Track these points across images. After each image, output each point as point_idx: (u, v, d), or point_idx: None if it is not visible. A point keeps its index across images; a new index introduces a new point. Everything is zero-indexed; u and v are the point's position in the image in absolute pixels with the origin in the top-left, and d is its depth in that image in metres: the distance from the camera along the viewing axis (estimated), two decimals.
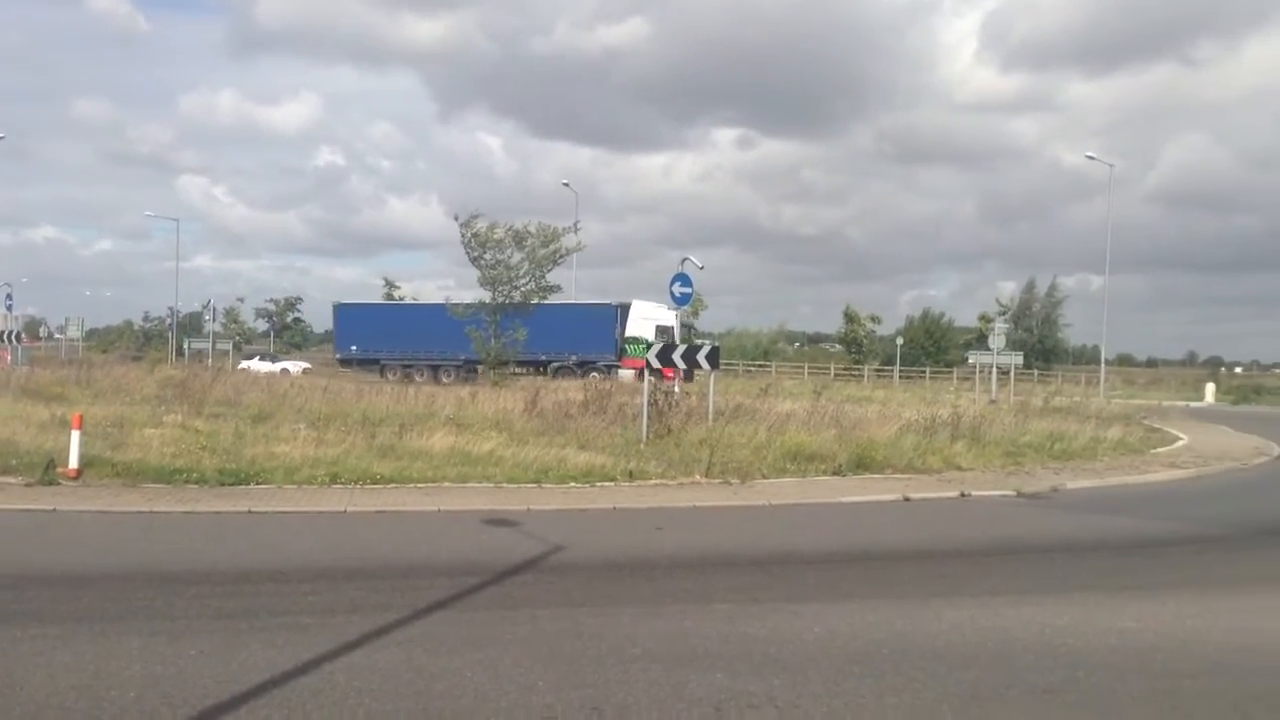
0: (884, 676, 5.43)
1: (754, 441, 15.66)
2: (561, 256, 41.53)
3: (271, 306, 72.69)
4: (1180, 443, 22.37)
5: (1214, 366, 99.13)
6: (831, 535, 10.55)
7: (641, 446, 15.32)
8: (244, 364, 59.95)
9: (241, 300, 76.22)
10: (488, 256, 40.16)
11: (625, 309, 48.24)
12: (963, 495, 13.40)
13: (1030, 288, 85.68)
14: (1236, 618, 7.03)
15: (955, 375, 60.09)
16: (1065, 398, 30.98)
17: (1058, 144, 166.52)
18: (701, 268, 19.04)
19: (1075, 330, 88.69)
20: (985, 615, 6.89)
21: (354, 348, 53.21)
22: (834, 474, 14.54)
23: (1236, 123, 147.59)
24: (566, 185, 62.45)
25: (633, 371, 46.74)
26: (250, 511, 10.54)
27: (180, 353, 56.51)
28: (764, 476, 13.97)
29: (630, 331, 46.72)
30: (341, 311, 55.74)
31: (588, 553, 9.01)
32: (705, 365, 17.09)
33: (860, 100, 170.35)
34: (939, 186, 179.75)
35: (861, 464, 15.09)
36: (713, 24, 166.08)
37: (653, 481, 13.35)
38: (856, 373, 68.42)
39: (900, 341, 71.91)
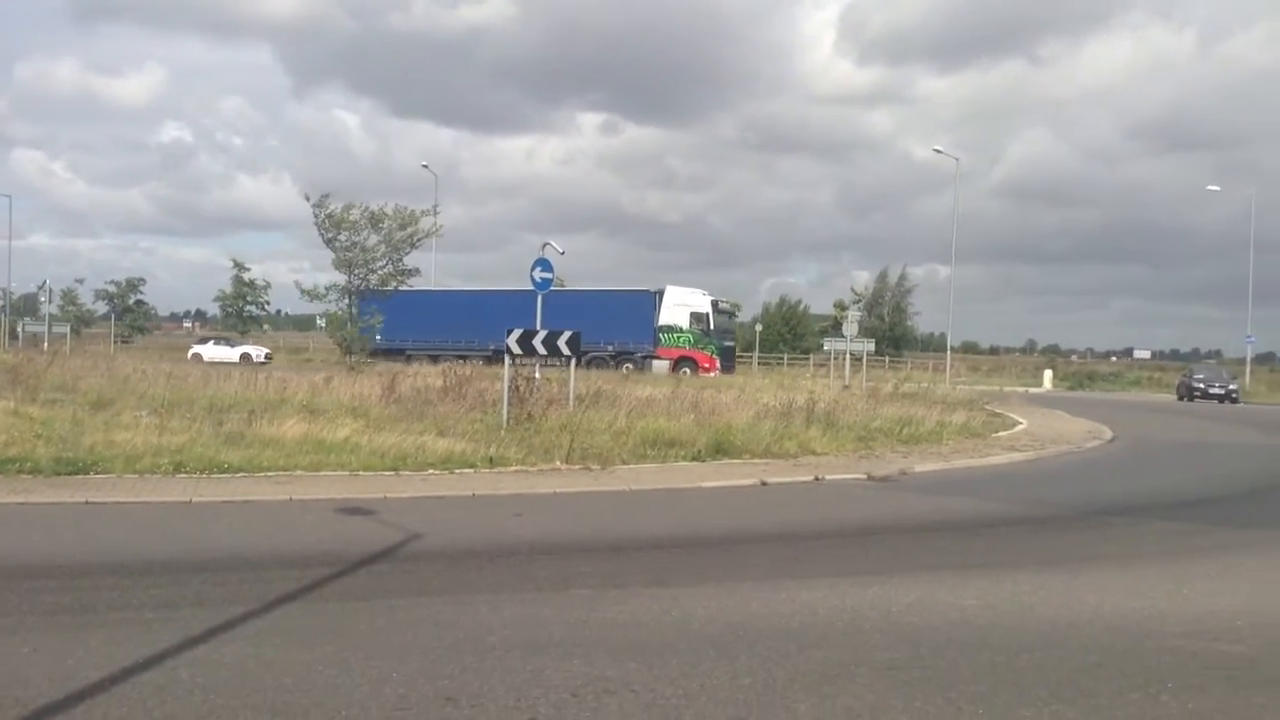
0: (738, 658, 5.52)
1: (614, 427, 15.73)
2: (419, 240, 40.95)
3: (112, 288, 69.13)
4: (1020, 427, 23.46)
5: (1052, 354, 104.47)
6: (691, 520, 10.68)
7: (502, 433, 15.21)
8: (196, 349, 54.78)
9: (81, 281, 72.03)
10: (342, 238, 39.30)
11: (660, 295, 46.47)
12: (817, 479, 13.74)
13: (883, 277, 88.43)
14: (1070, 594, 7.39)
15: (812, 362, 61.62)
16: (914, 384, 32.12)
17: (910, 137, 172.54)
18: (563, 253, 19.04)
19: (924, 318, 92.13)
20: (836, 596, 7.08)
21: (377, 337, 48.79)
22: (693, 459, 14.73)
23: (1076, 119, 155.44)
24: (425, 167, 61.46)
25: (668, 362, 45.10)
26: (88, 502, 10.04)
27: (14, 336, 52.67)
28: (624, 462, 14.05)
29: (664, 320, 45.72)
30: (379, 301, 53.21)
31: (446, 541, 8.90)
32: (566, 351, 17.05)
33: (723, 89, 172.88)
34: (799, 176, 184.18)
35: (720, 449, 15.32)
36: (578, 6, 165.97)
37: (513, 468, 13.27)
38: None
39: (759, 328, 73.22)
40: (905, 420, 20.22)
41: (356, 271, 39.71)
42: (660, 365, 44.67)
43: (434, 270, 51.28)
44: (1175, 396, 47.62)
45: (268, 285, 68.43)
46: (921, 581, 7.65)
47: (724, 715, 4.66)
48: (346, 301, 40.29)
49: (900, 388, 29.64)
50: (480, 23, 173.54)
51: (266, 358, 50.83)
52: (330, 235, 39.10)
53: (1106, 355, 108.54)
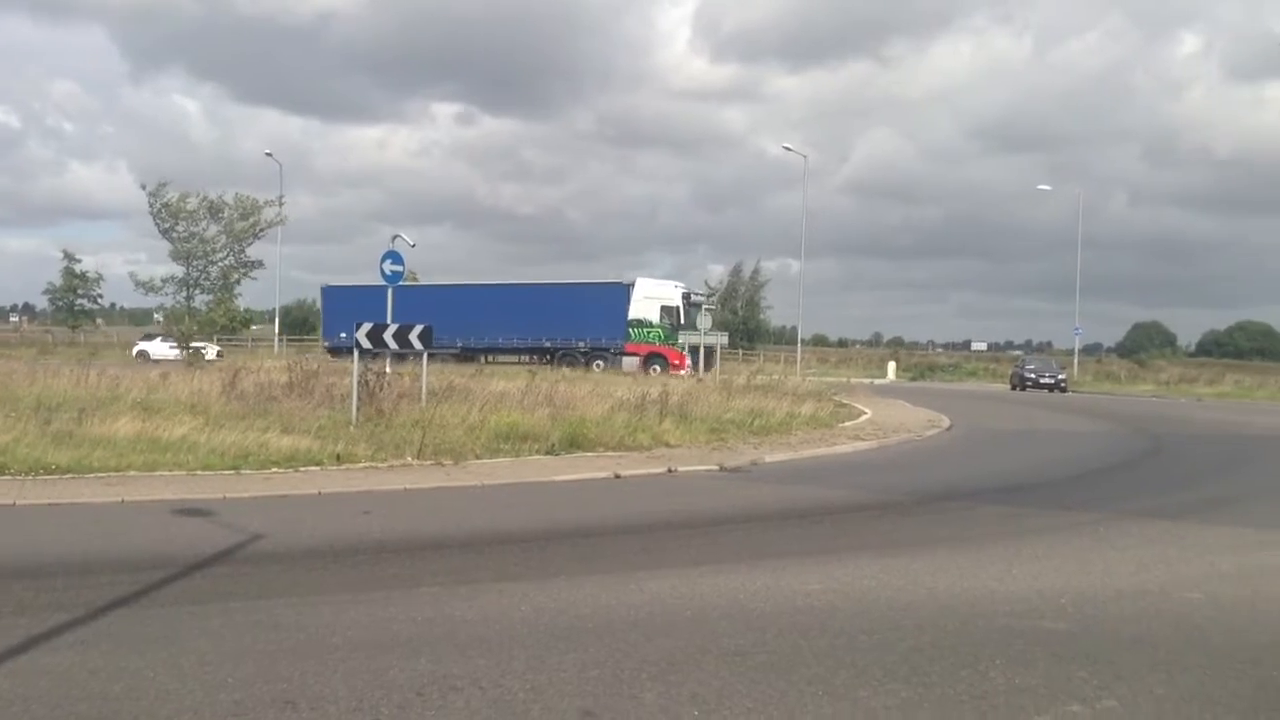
0: (587, 649, 5.53)
1: (467, 422, 15.55)
2: (262, 230, 39.70)
3: None
4: (865, 417, 24.22)
5: (896, 346, 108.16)
6: (543, 514, 10.65)
7: (351, 429, 14.86)
8: (141, 346, 49.89)
9: None
10: (180, 228, 37.82)
11: (629, 288, 43.85)
12: (670, 471, 13.89)
13: (737, 271, 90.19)
14: (908, 576, 7.67)
15: None
16: (766, 376, 32.77)
17: (764, 134, 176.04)
18: (413, 245, 18.74)
19: (776, 312, 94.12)
20: (685, 585, 7.17)
21: (344, 335, 45.59)
22: (547, 453, 14.69)
23: (921, 119, 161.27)
24: (270, 155, 59.61)
25: (637, 359, 42.16)
26: None
27: None
28: (477, 457, 13.91)
29: (634, 313, 43.06)
30: (330, 294, 48.34)
31: (289, 541, 8.63)
32: (418, 345, 16.76)
33: (580, 82, 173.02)
34: (655, 170, 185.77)
35: (574, 443, 15.33)
36: None
37: (362, 465, 12.98)
38: None
39: None
40: (757, 412, 20.62)
41: (195, 263, 38.28)
42: (630, 362, 42.22)
43: (279, 261, 49.84)
44: (1009, 386, 49.91)
45: (100, 278, 65.05)
46: (768, 569, 7.81)
47: (571, 707, 4.66)
48: (184, 294, 38.68)
49: (753, 380, 30.20)
50: (329, 8, 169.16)
51: (218, 355, 47.92)
52: (167, 225, 37.65)
53: (946, 347, 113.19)
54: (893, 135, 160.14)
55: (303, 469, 12.46)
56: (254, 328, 60.39)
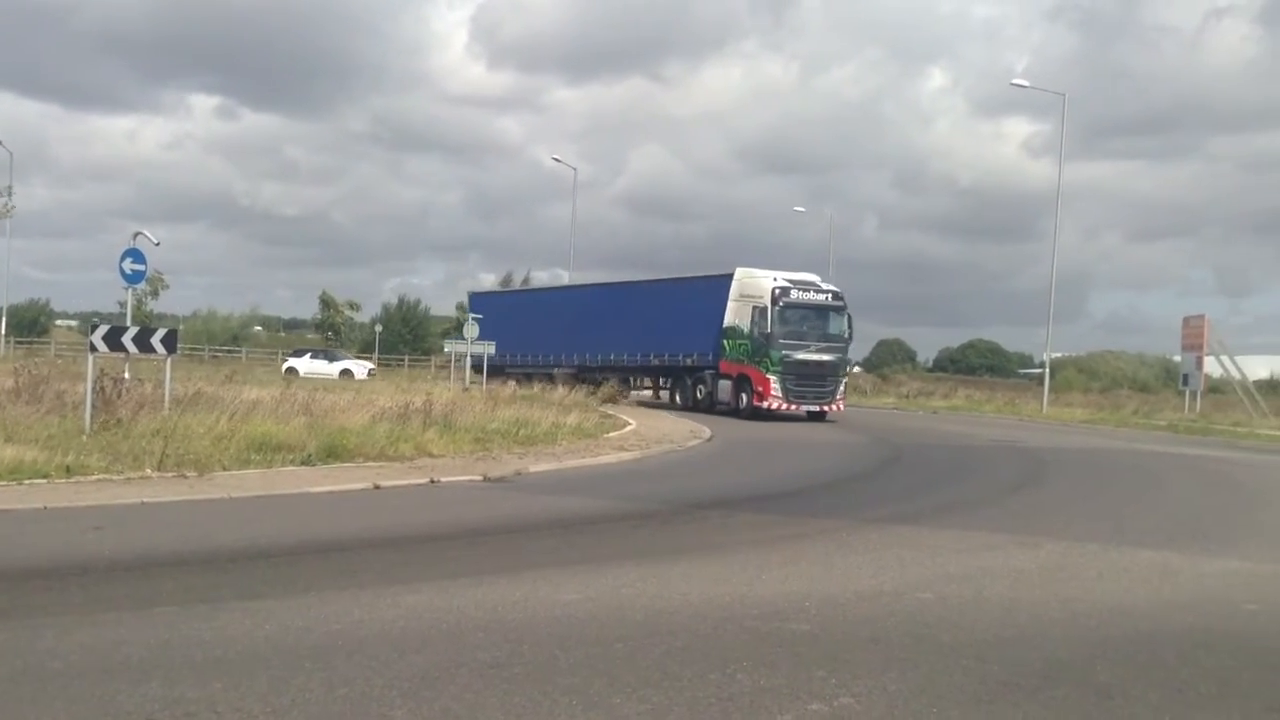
0: (336, 668, 5.34)
1: (215, 431, 14.74)
2: None
3: None
4: (629, 428, 24.63)
5: None
6: (296, 527, 10.22)
7: (84, 438, 13.79)
8: (291, 363, 45.83)
9: None
10: None
11: (729, 282, 32.61)
12: (432, 481, 13.65)
13: (508, 280, 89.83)
14: (664, 583, 7.83)
15: (433, 363, 61.39)
16: (533, 386, 32.85)
17: (540, 144, 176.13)
18: (158, 244, 17.64)
19: None
20: (442, 598, 7.05)
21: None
22: (303, 464, 14.13)
23: (692, 137, 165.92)
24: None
25: (729, 383, 31.67)
26: None
27: None
28: (225, 468, 13.20)
29: (729, 318, 32.17)
30: (475, 302, 43.00)
31: (7, 560, 7.91)
32: (161, 350, 15.77)
33: (351, 81, 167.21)
34: (428, 175, 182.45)
35: (332, 453, 14.81)
36: None
37: (95, 477, 12.06)
38: None
39: (379, 329, 71.97)
40: (522, 422, 20.60)
41: None
42: (724, 387, 32.16)
43: (8, 257, 45.72)
44: None
45: None
46: (527, 580, 7.79)
47: None
48: None
49: (519, 390, 30.22)
50: None
51: (369, 374, 42.53)
52: None
53: None
54: (665, 152, 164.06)
55: (28, 482, 11.44)
56: None
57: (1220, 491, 16.80)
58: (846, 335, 31.88)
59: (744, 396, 31.27)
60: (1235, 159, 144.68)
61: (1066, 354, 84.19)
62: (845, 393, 32.38)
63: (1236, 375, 49.09)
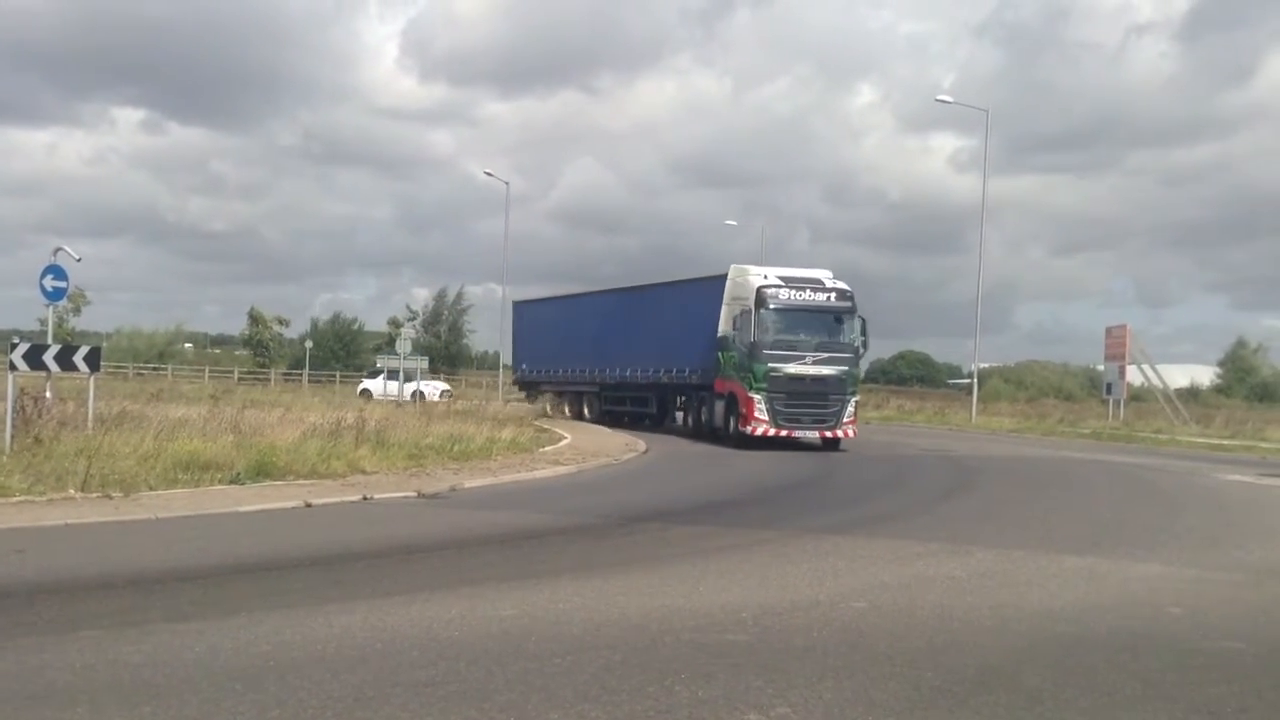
0: (267, 689, 5.24)
1: (141, 450, 14.39)
2: None
3: None
4: (564, 442, 24.56)
5: None
6: (224, 547, 10.00)
7: (4, 459, 13.39)
8: (366, 384, 43.83)
9: None
10: None
11: (723, 284, 27.50)
12: (365, 499, 13.48)
13: (441, 295, 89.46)
14: (601, 597, 7.82)
15: (465, 380, 60.78)
16: (467, 401, 32.62)
17: (472, 158, 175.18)
18: (79, 260, 17.13)
19: (480, 337, 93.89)
20: (377, 616, 6.96)
21: (525, 366, 36.76)
22: (232, 483, 13.86)
23: (624, 151, 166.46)
24: None
25: (722, 404, 26.82)
26: None
27: None
28: (152, 488, 12.90)
29: (722, 326, 27.09)
30: (520, 312, 38.91)
31: None
32: (84, 368, 15.37)
33: (279, 94, 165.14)
34: (358, 189, 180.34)
35: (262, 471, 14.56)
36: None
37: (16, 499, 11.71)
38: (263, 376, 66.42)
39: (309, 345, 71.02)
40: (457, 437, 20.44)
41: None
42: (717, 409, 27.30)
43: None
44: None
45: None
46: (464, 596, 7.73)
47: None
48: None
49: (453, 405, 29.98)
50: None
51: (443, 395, 40.40)
52: None
53: None
54: (598, 165, 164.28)
55: None
56: None
57: (1143, 498, 17.22)
58: (856, 344, 26.16)
59: (731, 420, 26.27)
60: (1155, 173, 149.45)
61: (994, 364, 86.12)
62: (855, 414, 26.52)
63: (1158, 383, 50.49)
